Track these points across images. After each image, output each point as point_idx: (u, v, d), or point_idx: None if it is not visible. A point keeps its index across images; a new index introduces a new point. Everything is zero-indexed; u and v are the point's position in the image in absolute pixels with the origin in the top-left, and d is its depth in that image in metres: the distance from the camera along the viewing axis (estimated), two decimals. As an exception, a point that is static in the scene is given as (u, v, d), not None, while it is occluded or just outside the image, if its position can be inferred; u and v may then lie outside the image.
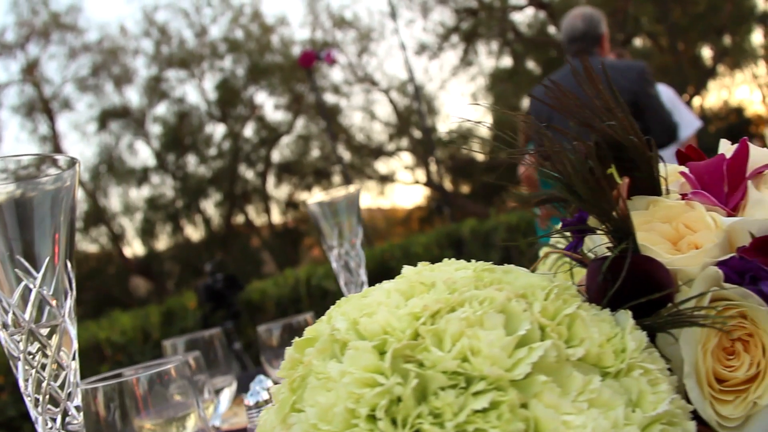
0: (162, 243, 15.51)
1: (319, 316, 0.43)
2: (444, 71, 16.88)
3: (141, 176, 15.15)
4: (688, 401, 0.40)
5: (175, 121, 15.17)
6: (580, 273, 0.49)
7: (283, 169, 15.88)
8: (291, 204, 15.63)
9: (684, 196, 0.49)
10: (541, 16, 13.85)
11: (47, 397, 0.51)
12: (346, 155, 15.26)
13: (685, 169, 0.52)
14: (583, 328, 0.36)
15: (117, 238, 14.95)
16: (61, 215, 0.53)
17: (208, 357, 1.13)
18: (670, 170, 0.53)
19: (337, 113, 15.36)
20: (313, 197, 1.09)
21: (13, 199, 0.49)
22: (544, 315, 0.36)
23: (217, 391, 1.09)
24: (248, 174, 15.99)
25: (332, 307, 0.42)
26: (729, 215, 0.48)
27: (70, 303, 0.53)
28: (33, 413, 0.51)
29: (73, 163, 0.53)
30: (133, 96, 18.19)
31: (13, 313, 0.49)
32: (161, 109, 15.43)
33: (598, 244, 0.48)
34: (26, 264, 0.50)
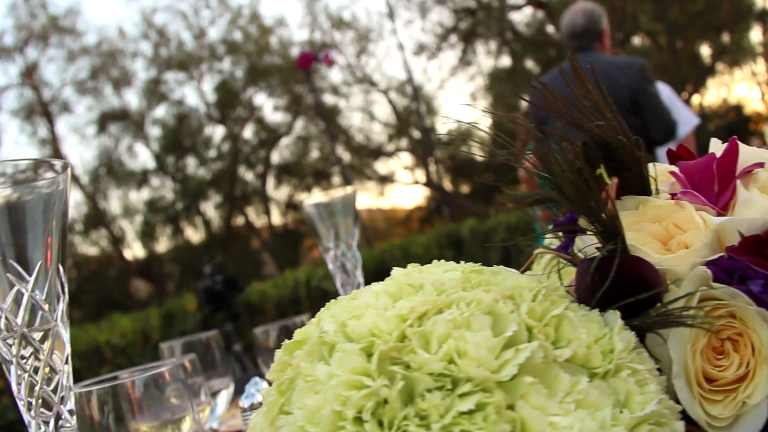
0: (162, 245, 15.53)
1: (317, 318, 0.43)
2: (443, 71, 16.88)
3: (141, 179, 15.16)
4: (678, 401, 0.40)
5: (174, 123, 15.18)
6: (569, 273, 0.49)
7: (283, 171, 15.88)
8: (291, 205, 15.63)
9: (674, 196, 0.49)
10: (540, 15, 13.85)
11: (40, 400, 0.51)
12: (345, 156, 15.27)
13: (675, 169, 0.52)
14: (571, 329, 0.36)
15: (117, 241, 14.95)
16: (53, 220, 0.53)
17: (206, 359, 1.13)
18: (661, 170, 0.53)
19: (336, 114, 15.36)
20: (309, 198, 1.10)
21: (5, 203, 0.49)
22: (531, 316, 0.36)
23: (215, 393, 1.09)
24: (248, 175, 16.00)
25: (322, 309, 0.42)
26: (719, 214, 0.48)
27: (62, 307, 0.53)
28: (26, 417, 0.51)
29: (65, 167, 0.53)
30: (132, 98, 18.18)
31: (6, 318, 0.49)
32: (160, 111, 15.44)
33: (588, 244, 0.48)
34: (19, 268, 0.50)
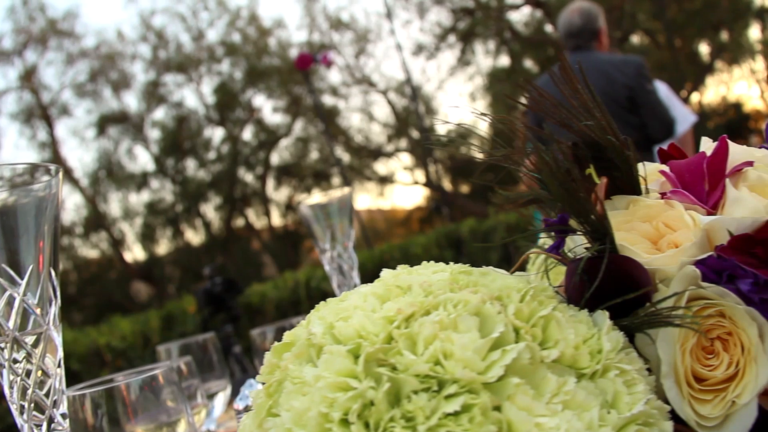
0: (162, 247, 15.53)
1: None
2: (442, 71, 16.91)
3: (140, 181, 15.16)
4: (667, 401, 0.40)
5: (173, 125, 15.19)
6: (563, 273, 0.49)
7: (283, 172, 15.89)
8: (291, 206, 15.63)
9: (664, 195, 0.49)
10: (538, 14, 13.86)
11: (32, 404, 0.51)
12: (345, 157, 15.27)
13: (666, 168, 0.52)
14: (558, 330, 0.36)
15: (117, 244, 14.96)
16: (45, 224, 0.53)
17: (203, 361, 1.13)
18: (651, 169, 0.53)
19: (335, 115, 15.37)
20: (305, 200, 1.10)
21: (-3, 207, 0.49)
22: (518, 317, 0.36)
23: (212, 395, 1.09)
24: (247, 177, 16.01)
25: (312, 311, 0.43)
26: (709, 214, 0.48)
27: (54, 311, 0.53)
28: (19, 420, 0.51)
29: (56, 171, 0.53)
30: (132, 101, 18.21)
31: (-3, 322, 0.49)
32: (160, 113, 15.45)
33: (578, 244, 0.48)
34: (11, 272, 0.50)
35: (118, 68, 14.79)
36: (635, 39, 13.93)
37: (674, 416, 0.39)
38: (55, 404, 0.52)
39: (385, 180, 16.01)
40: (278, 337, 1.13)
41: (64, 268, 14.19)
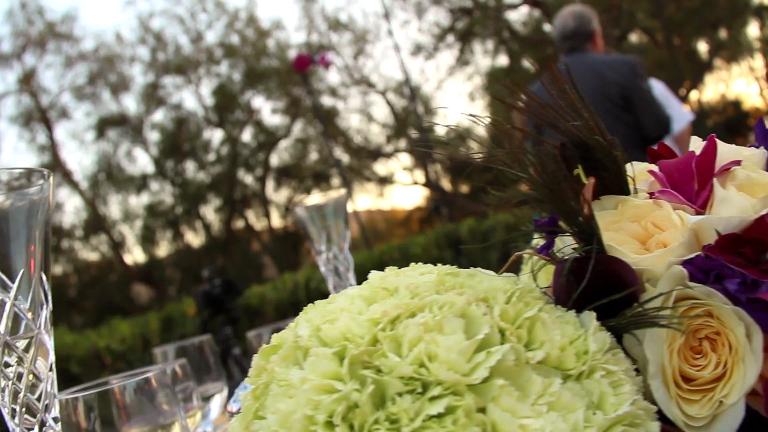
0: (162, 250, 15.53)
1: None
2: (440, 71, 16.91)
3: (140, 183, 15.17)
4: (654, 402, 0.40)
5: (172, 127, 15.19)
6: (550, 274, 0.49)
7: (282, 173, 15.89)
8: (290, 208, 15.61)
9: (652, 195, 0.49)
10: (536, 14, 13.87)
11: (24, 408, 0.51)
12: (344, 158, 15.27)
13: (655, 168, 0.52)
14: (544, 331, 0.36)
15: (117, 246, 14.96)
16: (36, 228, 0.53)
17: (200, 363, 1.13)
18: (640, 169, 0.53)
19: (334, 116, 15.37)
20: (300, 202, 1.10)
21: (-12, 212, 0.49)
22: (504, 318, 0.36)
23: (209, 398, 1.09)
24: (247, 178, 16.01)
25: (300, 313, 0.43)
26: (698, 213, 0.48)
27: (45, 315, 0.53)
28: (10, 424, 0.51)
29: (48, 175, 0.53)
30: (131, 103, 18.21)
31: (-12, 326, 0.49)
32: (159, 115, 15.46)
33: (566, 244, 0.48)
34: (2, 276, 0.50)
35: (117, 71, 14.81)
36: (633, 37, 13.93)
37: (662, 417, 0.39)
38: (46, 408, 0.52)
39: (384, 180, 16.02)
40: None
41: (64, 271, 14.20)
